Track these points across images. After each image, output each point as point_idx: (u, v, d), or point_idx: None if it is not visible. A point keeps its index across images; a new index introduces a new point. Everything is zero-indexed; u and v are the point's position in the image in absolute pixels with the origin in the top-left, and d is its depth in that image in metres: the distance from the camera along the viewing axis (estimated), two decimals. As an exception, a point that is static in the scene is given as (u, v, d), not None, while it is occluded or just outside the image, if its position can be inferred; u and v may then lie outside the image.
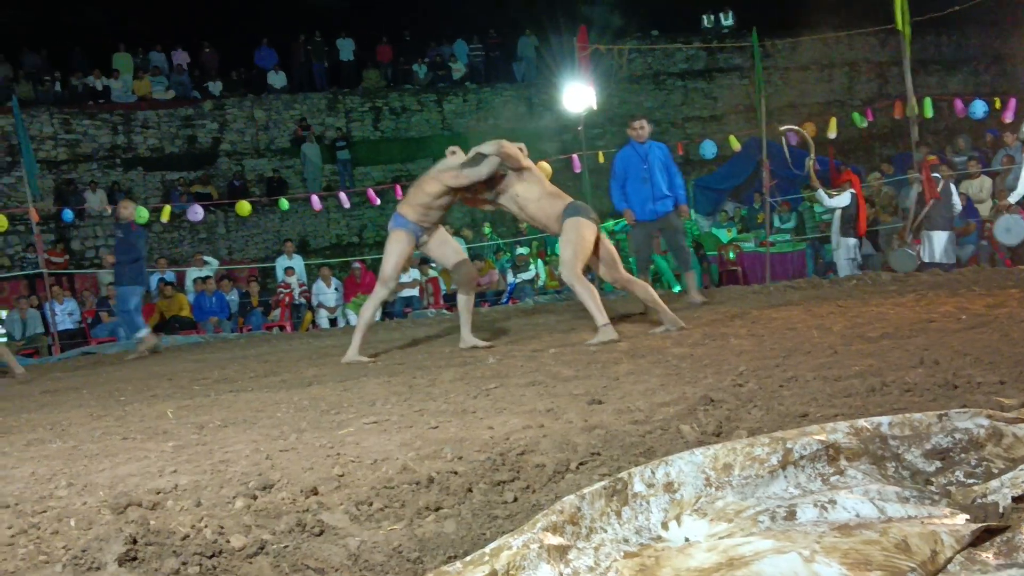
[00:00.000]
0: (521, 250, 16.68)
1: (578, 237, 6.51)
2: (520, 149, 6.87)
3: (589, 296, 6.51)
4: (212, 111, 21.53)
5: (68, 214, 17.52)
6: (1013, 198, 11.57)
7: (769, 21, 19.08)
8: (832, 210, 12.84)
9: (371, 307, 6.96)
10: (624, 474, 2.22)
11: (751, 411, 3.23)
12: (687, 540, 2.13)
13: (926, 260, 11.53)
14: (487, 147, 6.72)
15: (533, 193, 6.73)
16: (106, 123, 20.57)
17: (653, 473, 2.24)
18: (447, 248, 7.12)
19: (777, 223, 15.39)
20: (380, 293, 6.95)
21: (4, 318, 12.37)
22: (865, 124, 15.66)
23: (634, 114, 9.72)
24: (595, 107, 14.68)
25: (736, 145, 16.28)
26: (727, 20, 25.23)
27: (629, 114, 12.61)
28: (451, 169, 6.70)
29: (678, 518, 2.19)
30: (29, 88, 20.33)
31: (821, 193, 12.64)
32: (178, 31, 22.80)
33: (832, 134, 15.10)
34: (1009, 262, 10.96)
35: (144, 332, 10.30)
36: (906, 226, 12.18)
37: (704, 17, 25.26)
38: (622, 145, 9.71)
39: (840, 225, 12.61)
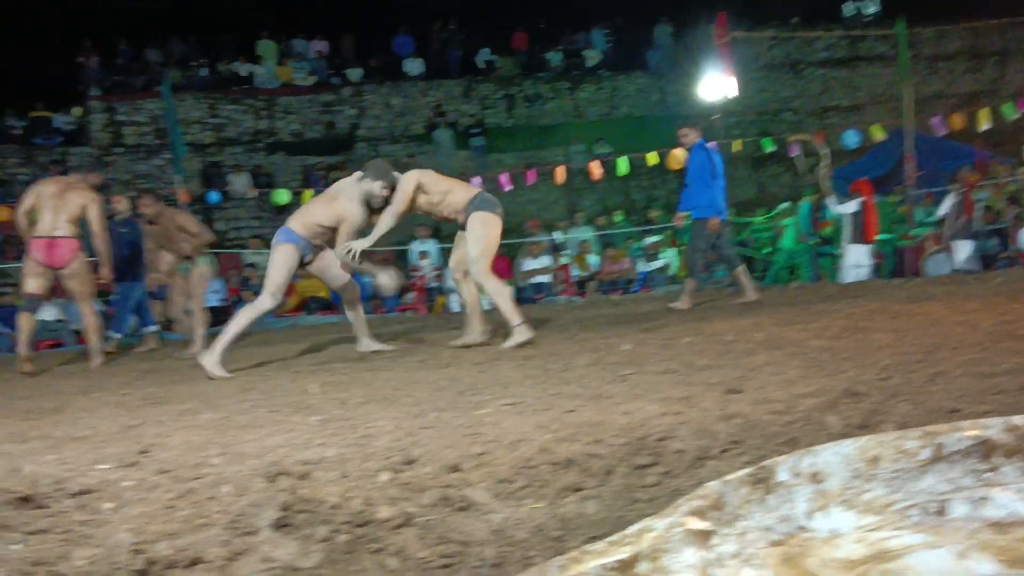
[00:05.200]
0: (653, 238, 16.57)
1: (484, 232, 6.41)
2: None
3: (501, 296, 6.46)
4: (351, 97, 22.01)
5: (214, 196, 18.21)
6: None
7: (915, 8, 18.44)
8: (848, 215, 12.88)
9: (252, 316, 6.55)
10: (769, 462, 2.20)
11: (897, 405, 3.16)
12: (833, 531, 2.10)
13: (964, 267, 12.04)
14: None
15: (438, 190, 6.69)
16: (250, 108, 21.27)
17: (799, 463, 2.22)
18: (334, 270, 6.86)
19: (920, 216, 14.91)
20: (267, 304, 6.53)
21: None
22: (1016, 116, 15.05)
23: (681, 120, 9.62)
24: (732, 96, 14.47)
25: (879, 135, 15.82)
26: (870, 8, 24.45)
27: (767, 103, 12.44)
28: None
29: (824, 509, 2.16)
30: (178, 74, 21.11)
31: (832, 200, 12.80)
32: (319, 19, 23.36)
33: (984, 125, 14.56)
34: None
35: (153, 328, 10.06)
36: (943, 234, 12.81)
37: (845, 5, 24.53)
38: (759, 135, 9.59)
39: (851, 232, 12.70)
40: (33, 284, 7.82)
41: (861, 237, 12.54)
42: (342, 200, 6.56)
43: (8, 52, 21.11)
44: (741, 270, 9.00)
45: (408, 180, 6.68)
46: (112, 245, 8.43)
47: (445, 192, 6.72)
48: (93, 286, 8.11)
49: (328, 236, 6.61)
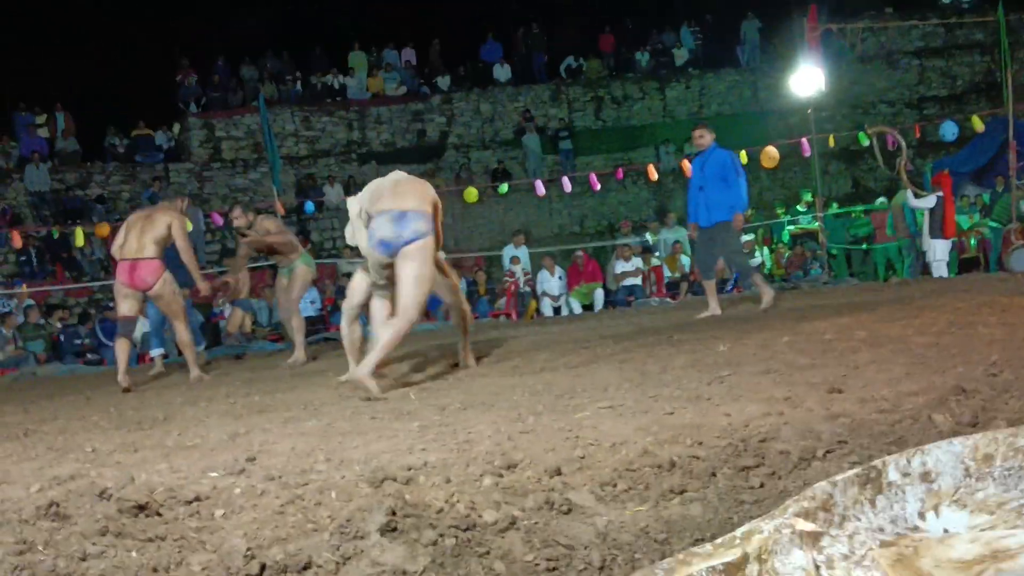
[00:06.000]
0: (746, 236, 16.38)
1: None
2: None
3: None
4: (440, 105, 22.22)
5: (310, 206, 18.56)
6: None
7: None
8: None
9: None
10: (878, 462, 2.16)
11: (1008, 401, 3.07)
12: (946, 531, 2.06)
13: None
14: None
15: None
16: (343, 119, 21.65)
17: (908, 462, 2.18)
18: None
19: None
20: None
21: (254, 306, 13.24)
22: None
23: (696, 123, 9.42)
24: (824, 89, 14.22)
25: (979, 125, 15.40)
26: (967, -5, 23.83)
27: (861, 96, 12.17)
28: None
29: (936, 508, 2.12)
30: (273, 88, 21.59)
31: (909, 194, 12.72)
32: (407, 28, 23.68)
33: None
34: None
35: (160, 351, 9.91)
36: (1021, 228, 12.66)
37: (941, -8, 23.95)
38: (853, 129, 9.48)
39: (929, 227, 12.63)
40: (124, 307, 8.00)
41: (940, 232, 12.39)
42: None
43: (110, 72, 21.84)
44: (715, 283, 9.00)
45: None
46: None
47: None
48: (180, 304, 8.20)
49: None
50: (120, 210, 18.22)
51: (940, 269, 12.50)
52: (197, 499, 2.72)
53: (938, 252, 12.56)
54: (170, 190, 18.13)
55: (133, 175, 20.10)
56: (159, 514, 2.61)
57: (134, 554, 2.25)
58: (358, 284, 6.24)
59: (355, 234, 6.08)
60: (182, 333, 8.16)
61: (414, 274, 5.45)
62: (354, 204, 6.13)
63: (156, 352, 9.87)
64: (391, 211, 5.54)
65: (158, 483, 2.98)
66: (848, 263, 16.86)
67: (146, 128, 20.91)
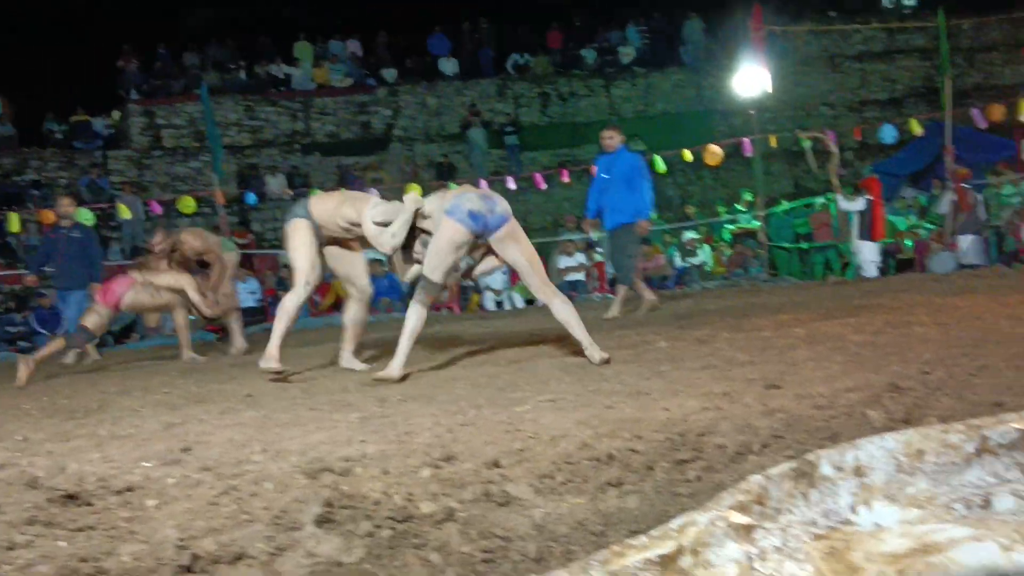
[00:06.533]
0: (690, 234, 16.53)
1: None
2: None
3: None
4: (386, 98, 22.09)
5: (251, 197, 18.36)
6: None
7: (953, 0, 18.27)
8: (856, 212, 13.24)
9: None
10: (811, 456, 2.19)
11: (940, 399, 3.13)
12: (877, 525, 2.09)
13: (963, 263, 12.36)
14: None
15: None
16: (287, 110, 21.42)
17: (842, 457, 2.20)
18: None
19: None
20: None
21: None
22: (1056, 107, 14.89)
23: (607, 124, 9.40)
24: (769, 90, 14.39)
25: (917, 129, 15.69)
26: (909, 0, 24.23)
27: (804, 98, 12.38)
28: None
29: (868, 503, 2.15)
30: (216, 76, 21.29)
31: (839, 197, 13.17)
32: (354, 19, 23.50)
33: (1024, 117, 14.45)
34: None
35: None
36: (944, 232, 13.13)
37: (884, -3, 24.37)
38: (795, 130, 9.57)
39: (858, 229, 13.09)
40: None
41: (869, 234, 12.76)
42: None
43: (48, 57, 21.40)
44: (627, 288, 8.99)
45: None
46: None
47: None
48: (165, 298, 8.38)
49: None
50: (56, 195, 17.89)
51: (869, 270, 12.81)
52: (129, 489, 2.69)
53: (866, 254, 12.91)
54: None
55: (71, 161, 19.74)
56: (89, 504, 2.57)
57: (63, 544, 2.22)
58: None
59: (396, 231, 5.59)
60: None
61: (526, 256, 5.46)
62: (414, 202, 5.63)
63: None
64: (472, 191, 5.47)
65: (89, 473, 2.94)
66: (790, 262, 17.10)
67: (85, 114, 20.52)
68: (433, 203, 5.53)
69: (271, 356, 5.64)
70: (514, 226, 5.39)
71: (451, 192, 5.63)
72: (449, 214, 5.24)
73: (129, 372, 7.73)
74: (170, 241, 8.54)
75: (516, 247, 5.43)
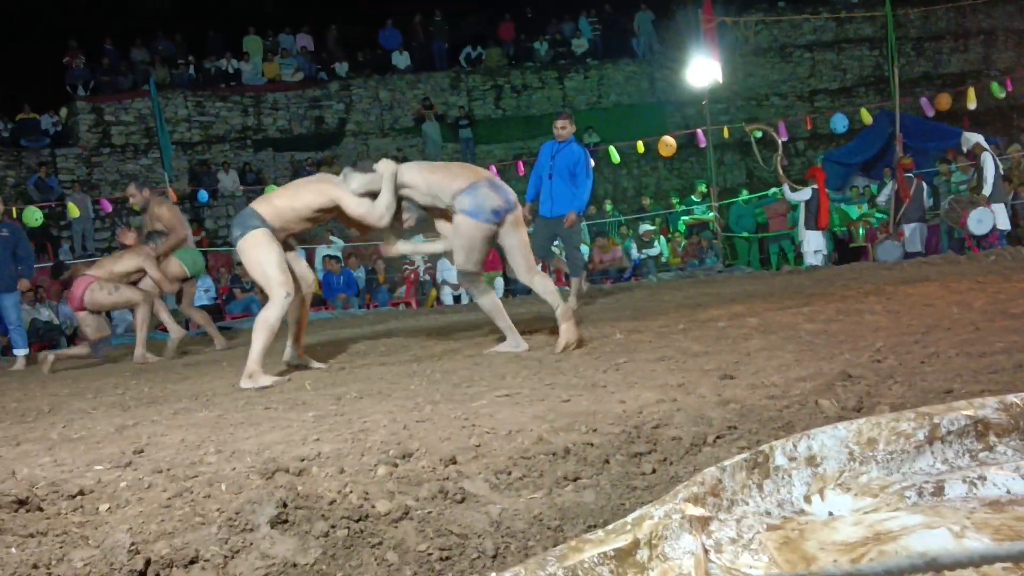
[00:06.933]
0: (646, 226, 16.59)
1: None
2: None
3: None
4: (338, 92, 21.95)
5: (203, 194, 18.17)
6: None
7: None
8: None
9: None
10: (765, 447, 2.21)
11: (892, 387, 3.17)
12: (831, 514, 2.11)
13: (908, 250, 12.60)
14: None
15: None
16: (237, 105, 21.20)
17: (795, 447, 2.22)
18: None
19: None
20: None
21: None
22: (1004, 95, 15.12)
23: (560, 112, 9.26)
24: (720, 81, 14.49)
25: (867, 118, 15.87)
26: (857, -11, 24.49)
27: (755, 88, 12.46)
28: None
29: (821, 492, 2.17)
30: (165, 72, 21.01)
31: (786, 188, 13.31)
32: (304, 13, 23.30)
33: (972, 105, 14.65)
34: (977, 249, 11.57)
35: (24, 352, 9.39)
36: (888, 221, 13.33)
37: (833, -13, 24.55)
38: (748, 120, 9.54)
39: (804, 219, 13.24)
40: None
41: (815, 223, 12.96)
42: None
43: (-7, 53, 21.01)
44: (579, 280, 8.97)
45: None
46: None
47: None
48: (125, 297, 8.38)
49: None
50: (4, 195, 17.55)
51: (815, 259, 13.01)
52: (81, 493, 2.65)
53: (812, 243, 13.11)
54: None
55: (19, 160, 19.39)
56: (40, 509, 2.53)
57: (13, 550, 2.18)
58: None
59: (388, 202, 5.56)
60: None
61: (524, 240, 5.71)
62: (389, 165, 5.67)
63: (20, 353, 9.35)
64: (481, 181, 5.50)
65: (40, 477, 2.89)
66: (749, 252, 17.26)
67: (31, 112, 20.17)
68: (413, 175, 5.66)
69: (256, 372, 5.27)
70: (519, 212, 5.68)
71: (445, 170, 5.73)
72: (474, 216, 5.44)
73: (81, 373, 7.63)
74: (143, 195, 8.61)
75: (518, 233, 5.65)
